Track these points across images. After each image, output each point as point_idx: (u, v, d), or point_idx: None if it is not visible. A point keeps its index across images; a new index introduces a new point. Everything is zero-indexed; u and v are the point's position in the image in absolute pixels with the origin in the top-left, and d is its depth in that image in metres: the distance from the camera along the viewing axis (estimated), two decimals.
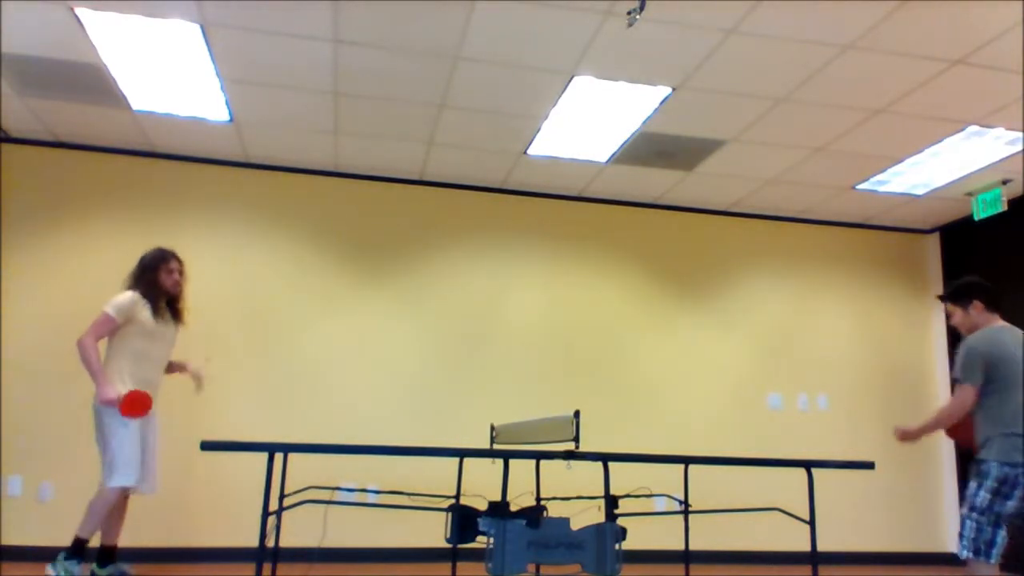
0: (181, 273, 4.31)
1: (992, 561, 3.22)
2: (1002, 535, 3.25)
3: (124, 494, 4.03)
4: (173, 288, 4.27)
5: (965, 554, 3.28)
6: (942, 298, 3.83)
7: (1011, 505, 3.26)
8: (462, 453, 3.21)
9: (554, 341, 6.06)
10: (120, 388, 3.95)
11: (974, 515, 3.29)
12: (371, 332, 5.77)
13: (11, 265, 5.30)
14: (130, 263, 5.42)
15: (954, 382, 3.55)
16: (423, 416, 5.71)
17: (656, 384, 6.15)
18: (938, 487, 6.41)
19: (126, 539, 5.09)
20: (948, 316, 3.78)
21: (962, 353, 3.53)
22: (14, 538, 4.96)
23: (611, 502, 3.09)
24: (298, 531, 5.17)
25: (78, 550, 3.93)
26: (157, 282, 4.20)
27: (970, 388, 3.44)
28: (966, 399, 3.44)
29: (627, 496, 3.69)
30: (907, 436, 3.67)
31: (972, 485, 3.38)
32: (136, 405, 3.91)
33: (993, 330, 3.56)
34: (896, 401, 6.51)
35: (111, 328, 4.03)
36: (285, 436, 5.43)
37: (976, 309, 3.62)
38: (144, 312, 4.11)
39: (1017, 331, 3.56)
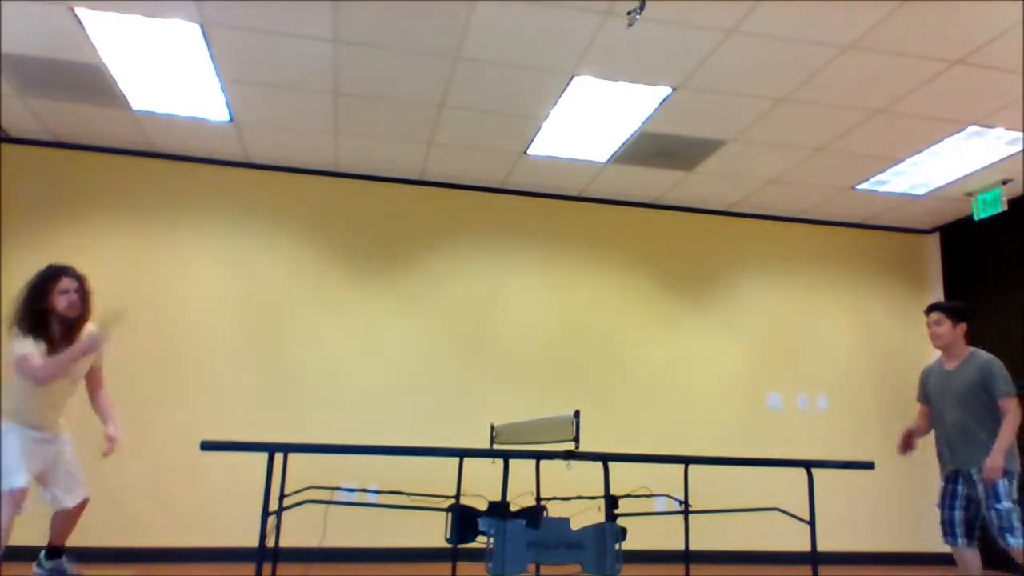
0: (80, 291, 3.68)
1: None
2: None
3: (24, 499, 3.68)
4: (68, 311, 3.64)
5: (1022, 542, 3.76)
6: (938, 307, 4.11)
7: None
8: (462, 453, 3.21)
9: (554, 341, 6.06)
10: (10, 435, 3.60)
11: (1017, 507, 3.81)
12: (371, 332, 5.77)
13: (11, 265, 5.30)
14: (130, 263, 5.46)
15: (1005, 395, 3.87)
16: (423, 416, 5.71)
17: (656, 384, 6.15)
18: (938, 487, 6.40)
19: (126, 539, 5.11)
20: (935, 323, 4.08)
21: (999, 367, 3.91)
22: (14, 538, 4.94)
23: (611, 502, 3.09)
24: (298, 531, 5.16)
25: None
26: (48, 308, 3.60)
27: (1013, 394, 3.85)
28: (1013, 407, 3.85)
29: (627, 496, 3.69)
30: (995, 471, 3.88)
31: (1004, 483, 3.81)
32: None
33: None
34: (896, 401, 6.50)
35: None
36: (285, 436, 5.43)
37: (960, 330, 4.04)
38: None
39: None
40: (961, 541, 3.96)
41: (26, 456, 3.71)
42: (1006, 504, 3.78)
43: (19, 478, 3.65)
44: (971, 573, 3.96)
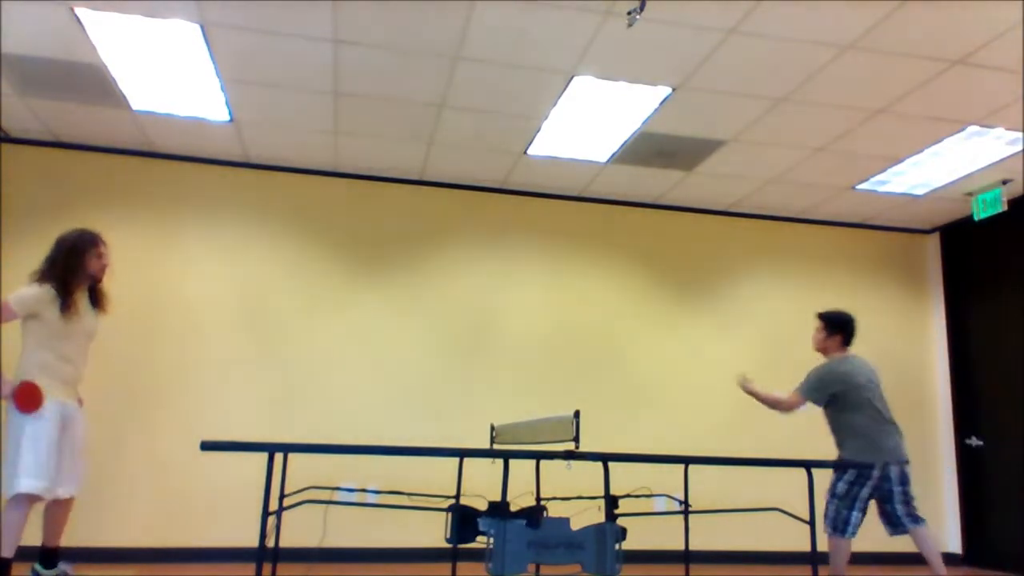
0: (107, 257, 4.01)
1: (847, 536, 4.03)
2: (856, 516, 4.05)
3: (40, 501, 3.69)
4: (100, 273, 3.95)
5: (828, 531, 4.06)
6: (819, 315, 4.44)
7: (864, 492, 4.05)
8: (462, 453, 3.21)
9: (554, 341, 6.06)
10: (42, 425, 3.64)
11: (835, 500, 4.08)
12: (371, 332, 5.77)
13: (11, 265, 5.30)
14: (129, 263, 5.47)
15: (795, 389, 4.30)
16: (423, 416, 5.71)
17: (656, 384, 6.15)
18: (938, 487, 6.41)
19: (127, 539, 5.11)
20: (815, 329, 4.44)
21: (812, 373, 4.29)
22: None
23: (611, 502, 3.09)
24: (298, 531, 5.17)
25: (3, 572, 3.60)
26: (84, 268, 3.84)
27: (802, 399, 4.25)
28: (794, 404, 4.28)
29: (627, 496, 3.69)
30: (747, 387, 4.42)
31: (833, 477, 4.16)
32: (28, 398, 3.59)
33: (845, 359, 4.30)
34: (896, 401, 6.49)
35: (7, 318, 3.66)
36: (285, 436, 5.43)
37: (834, 340, 4.35)
38: (50, 309, 3.72)
39: (863, 359, 4.33)
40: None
41: (52, 450, 3.66)
42: (828, 496, 4.14)
43: (39, 482, 3.60)
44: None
